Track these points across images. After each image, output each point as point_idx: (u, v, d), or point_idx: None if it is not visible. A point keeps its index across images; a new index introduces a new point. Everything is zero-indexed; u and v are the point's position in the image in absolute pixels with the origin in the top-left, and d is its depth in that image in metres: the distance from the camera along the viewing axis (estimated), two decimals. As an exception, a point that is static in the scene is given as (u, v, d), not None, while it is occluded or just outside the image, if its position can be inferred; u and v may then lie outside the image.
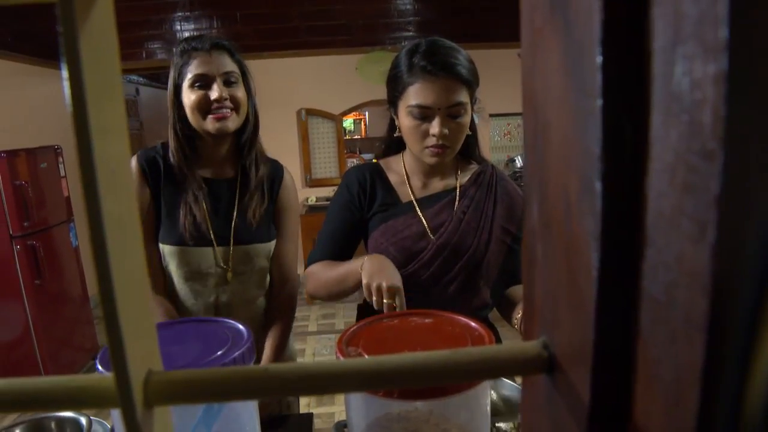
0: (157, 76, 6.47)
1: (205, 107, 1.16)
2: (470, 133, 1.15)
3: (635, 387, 0.20)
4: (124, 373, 0.21)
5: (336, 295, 1.13)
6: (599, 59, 0.18)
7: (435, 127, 1.06)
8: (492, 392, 0.94)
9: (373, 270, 0.97)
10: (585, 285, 0.20)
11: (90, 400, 0.22)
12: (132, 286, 0.23)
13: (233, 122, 1.19)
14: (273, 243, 1.31)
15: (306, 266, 1.20)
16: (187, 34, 4.40)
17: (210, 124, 1.17)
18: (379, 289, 0.94)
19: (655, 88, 0.17)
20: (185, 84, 1.17)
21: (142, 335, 0.24)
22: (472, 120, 1.17)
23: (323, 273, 1.13)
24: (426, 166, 1.16)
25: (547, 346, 0.24)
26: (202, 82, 1.16)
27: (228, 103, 1.17)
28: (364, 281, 0.98)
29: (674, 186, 0.17)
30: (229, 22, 4.38)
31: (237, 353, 0.63)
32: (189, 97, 1.17)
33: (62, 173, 3.49)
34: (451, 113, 1.06)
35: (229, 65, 1.19)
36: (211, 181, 1.25)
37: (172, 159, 1.22)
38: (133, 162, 1.23)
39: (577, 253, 0.21)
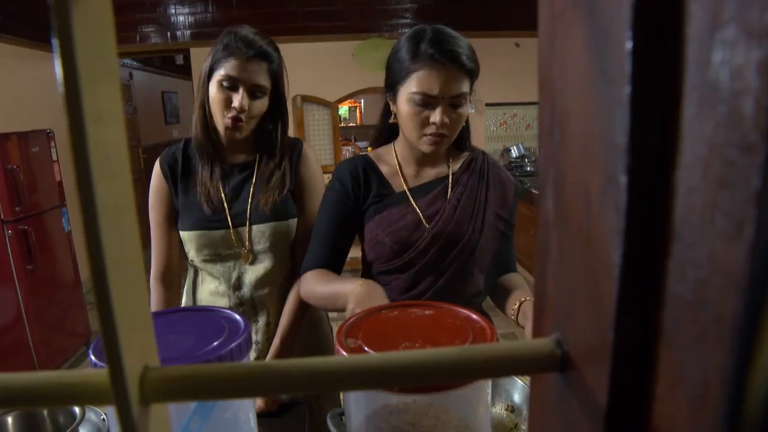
0: (151, 60, 6.40)
1: (224, 108, 1.18)
2: (464, 124, 1.14)
3: (656, 388, 0.19)
4: (119, 368, 0.20)
5: (328, 310, 1.13)
6: (629, 44, 0.17)
7: (437, 115, 1.04)
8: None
9: (361, 299, 0.95)
10: (605, 281, 0.19)
11: (84, 396, 0.22)
12: (127, 277, 0.22)
13: (243, 132, 1.21)
14: (294, 221, 1.31)
15: (300, 271, 1.18)
16: (182, 18, 4.34)
17: (223, 126, 1.20)
18: None
19: (688, 76, 0.16)
20: (215, 76, 1.18)
21: (138, 329, 0.23)
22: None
23: (316, 285, 1.11)
24: (418, 155, 1.15)
25: (561, 344, 0.23)
26: (230, 84, 1.17)
27: (244, 116, 1.18)
28: (349, 307, 0.95)
29: (708, 180, 0.16)
30: (224, 6, 4.32)
31: (233, 344, 0.62)
32: (213, 91, 1.19)
33: (54, 157, 3.44)
34: (453, 103, 1.05)
35: (262, 78, 1.19)
36: (230, 165, 1.28)
37: (194, 141, 1.26)
38: (156, 165, 1.29)
39: (596, 249, 0.20)
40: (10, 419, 0.93)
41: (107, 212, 0.19)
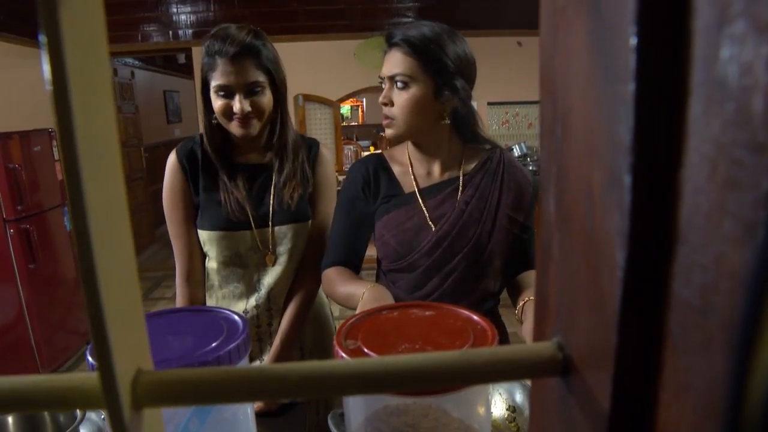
0: (152, 59, 6.40)
1: (228, 115, 1.18)
2: (461, 114, 1.13)
3: (660, 395, 0.18)
4: (110, 372, 0.20)
5: (348, 308, 1.14)
6: (634, 40, 0.16)
7: (384, 94, 1.10)
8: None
9: (367, 303, 0.97)
10: (608, 284, 0.19)
11: (75, 401, 0.21)
12: (119, 277, 0.21)
13: (255, 128, 1.20)
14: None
15: (321, 269, 1.20)
16: (183, 17, 4.34)
17: (234, 129, 1.19)
18: None
19: (695, 73, 0.16)
20: (211, 88, 1.19)
21: (131, 331, 0.22)
22: (471, 106, 1.15)
23: (336, 284, 1.13)
24: (429, 153, 1.14)
25: (562, 347, 0.22)
26: (225, 92, 1.17)
27: (250, 114, 1.18)
28: (358, 311, 0.96)
29: (715, 181, 0.15)
30: (226, 4, 4.32)
31: (232, 345, 0.62)
32: (215, 102, 1.19)
33: (56, 157, 3.45)
34: (400, 83, 1.08)
35: (253, 74, 1.16)
36: (247, 167, 1.27)
37: (209, 146, 1.25)
38: (173, 158, 1.27)
39: (599, 251, 0.19)
40: (10, 418, 0.93)
41: (98, 211, 0.19)
